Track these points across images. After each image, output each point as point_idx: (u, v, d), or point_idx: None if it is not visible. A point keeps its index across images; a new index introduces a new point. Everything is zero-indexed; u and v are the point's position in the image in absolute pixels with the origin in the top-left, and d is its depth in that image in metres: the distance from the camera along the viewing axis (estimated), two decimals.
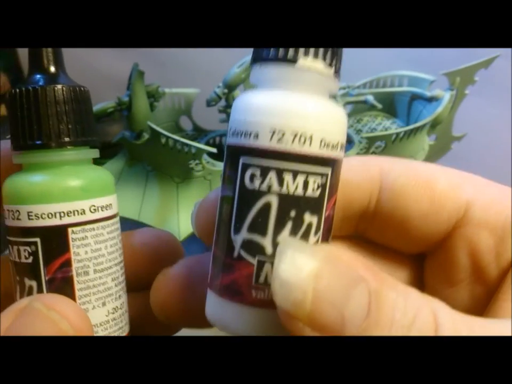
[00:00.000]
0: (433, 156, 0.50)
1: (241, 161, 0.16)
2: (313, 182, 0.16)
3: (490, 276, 0.19)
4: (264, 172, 0.16)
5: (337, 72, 0.17)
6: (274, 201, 0.16)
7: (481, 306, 0.19)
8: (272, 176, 0.16)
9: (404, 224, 0.19)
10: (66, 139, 0.19)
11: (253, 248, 0.16)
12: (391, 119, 0.54)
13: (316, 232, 0.17)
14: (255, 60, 0.17)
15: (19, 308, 0.17)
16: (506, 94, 0.57)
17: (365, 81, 0.53)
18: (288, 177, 0.16)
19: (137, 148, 0.43)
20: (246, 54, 0.42)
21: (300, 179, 0.16)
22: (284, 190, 0.16)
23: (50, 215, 0.18)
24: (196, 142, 0.41)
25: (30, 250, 0.18)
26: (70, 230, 0.18)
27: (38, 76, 0.19)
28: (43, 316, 0.17)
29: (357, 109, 0.54)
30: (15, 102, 0.19)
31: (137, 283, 0.22)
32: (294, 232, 0.16)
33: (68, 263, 0.19)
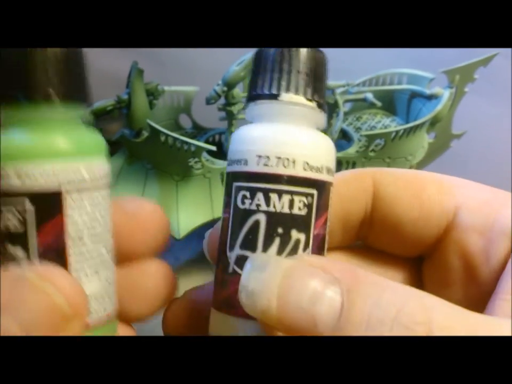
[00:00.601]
0: (433, 153, 0.50)
1: (234, 185, 0.18)
2: (299, 201, 0.18)
3: (483, 276, 0.19)
4: (253, 192, 0.18)
5: (320, 105, 0.19)
6: (262, 218, 0.17)
7: (476, 307, 0.19)
8: (259, 196, 0.18)
9: (398, 231, 0.21)
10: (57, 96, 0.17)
11: (244, 263, 0.17)
12: (390, 117, 0.54)
13: (305, 249, 0.18)
14: (248, 99, 0.19)
15: (9, 278, 0.15)
16: (506, 92, 0.57)
17: (364, 79, 0.53)
18: (274, 196, 0.17)
19: (137, 146, 0.43)
20: (246, 52, 0.42)
21: (285, 198, 0.17)
22: (271, 208, 0.17)
23: (42, 175, 0.17)
24: (195, 140, 0.41)
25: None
26: (63, 189, 0.17)
27: None
28: (36, 287, 0.15)
29: (356, 106, 0.54)
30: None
31: (120, 255, 0.21)
32: (282, 247, 0.17)
33: (61, 227, 0.17)
